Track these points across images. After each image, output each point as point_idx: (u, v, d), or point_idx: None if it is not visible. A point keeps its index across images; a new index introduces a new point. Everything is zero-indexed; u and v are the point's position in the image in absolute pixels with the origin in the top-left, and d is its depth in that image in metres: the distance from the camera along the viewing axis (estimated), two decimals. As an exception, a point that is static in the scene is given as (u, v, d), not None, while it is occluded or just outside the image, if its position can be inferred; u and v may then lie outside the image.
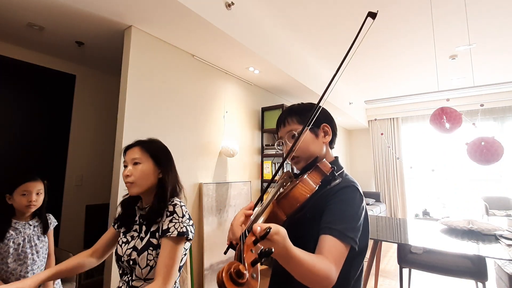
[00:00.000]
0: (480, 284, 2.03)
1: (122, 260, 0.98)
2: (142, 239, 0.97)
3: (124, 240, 1.01)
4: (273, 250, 0.44)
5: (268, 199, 0.64)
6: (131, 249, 0.96)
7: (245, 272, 0.42)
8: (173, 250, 0.90)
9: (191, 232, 0.96)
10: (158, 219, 0.97)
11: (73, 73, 2.82)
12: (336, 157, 0.88)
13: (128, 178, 0.98)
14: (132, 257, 0.94)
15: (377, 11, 0.74)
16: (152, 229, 0.97)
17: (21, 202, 1.40)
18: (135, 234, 1.01)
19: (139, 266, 0.93)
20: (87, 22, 2.03)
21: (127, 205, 1.09)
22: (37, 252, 1.45)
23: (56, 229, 1.64)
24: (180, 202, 1.00)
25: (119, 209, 1.11)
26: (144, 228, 1.00)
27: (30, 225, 1.47)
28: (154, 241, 0.95)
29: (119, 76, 2.12)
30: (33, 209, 1.44)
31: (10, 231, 1.39)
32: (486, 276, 1.95)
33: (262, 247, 0.45)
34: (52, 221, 1.58)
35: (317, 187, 0.67)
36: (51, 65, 2.65)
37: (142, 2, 1.80)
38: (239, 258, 0.45)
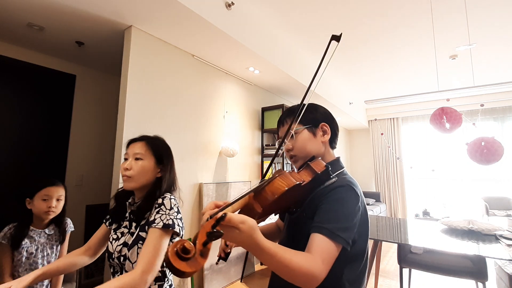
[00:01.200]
0: (480, 284, 2.03)
1: (113, 257, 0.97)
2: (132, 234, 0.97)
3: (115, 236, 1.01)
4: (222, 232, 0.48)
5: (246, 192, 0.65)
6: (121, 245, 0.96)
7: (190, 248, 0.46)
8: (157, 241, 0.88)
9: (178, 225, 0.94)
10: (146, 214, 0.97)
11: (73, 73, 2.82)
12: (338, 158, 0.88)
13: (127, 171, 0.98)
14: (123, 253, 0.94)
15: (341, 33, 0.77)
16: (141, 223, 0.97)
17: (41, 207, 1.35)
18: (125, 230, 1.00)
19: (130, 261, 0.92)
20: (87, 22, 2.03)
21: (119, 199, 1.08)
22: (48, 262, 1.40)
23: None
24: (170, 196, 1.00)
25: (112, 203, 1.10)
26: (134, 224, 1.00)
27: (46, 233, 1.41)
28: (143, 234, 0.94)
29: (119, 76, 2.12)
30: (51, 216, 1.39)
31: (25, 239, 1.34)
32: (486, 276, 1.95)
33: (215, 230, 0.49)
34: (69, 227, 1.52)
35: (298, 183, 0.66)
36: (51, 65, 2.65)
37: (142, 2, 1.80)
38: (195, 238, 0.49)
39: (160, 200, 0.96)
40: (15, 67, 2.43)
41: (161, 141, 1.10)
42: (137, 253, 0.92)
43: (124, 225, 1.02)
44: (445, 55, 3.44)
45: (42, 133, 2.58)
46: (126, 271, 0.93)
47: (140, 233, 0.95)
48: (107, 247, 1.02)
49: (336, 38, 0.73)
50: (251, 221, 0.55)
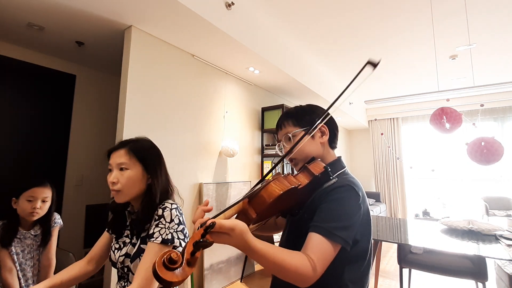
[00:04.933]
0: (480, 284, 2.03)
1: (117, 266, 0.95)
2: (134, 245, 0.93)
3: (117, 246, 0.97)
4: (208, 242, 0.49)
5: (241, 197, 0.65)
6: (124, 256, 0.93)
7: (176, 259, 0.47)
8: (155, 255, 0.83)
9: (178, 238, 0.88)
10: (146, 225, 0.92)
11: (73, 73, 2.82)
12: (339, 157, 0.87)
13: (115, 185, 0.89)
14: (126, 264, 0.91)
15: (379, 60, 0.70)
16: (142, 235, 0.93)
17: (25, 208, 1.32)
18: (127, 240, 0.97)
19: (132, 273, 0.90)
20: (87, 22, 2.03)
21: (117, 209, 1.02)
22: (33, 264, 1.38)
23: (57, 229, 1.60)
24: (171, 205, 0.93)
25: (109, 214, 1.05)
26: (135, 233, 0.95)
27: (32, 234, 1.39)
28: (144, 246, 0.90)
29: (119, 76, 2.12)
30: (36, 217, 1.35)
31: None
32: (486, 276, 1.95)
33: (202, 240, 0.49)
34: (57, 222, 1.49)
35: (293, 187, 0.66)
36: (51, 65, 2.65)
37: (142, 2, 1.80)
38: (184, 247, 0.50)
39: (160, 211, 0.90)
40: (15, 67, 2.43)
41: (145, 142, 0.99)
42: None
43: (125, 234, 0.98)
44: (445, 55, 3.44)
45: (42, 133, 2.58)
46: (130, 282, 0.91)
47: (141, 245, 0.91)
48: (110, 256, 0.99)
49: (373, 64, 0.69)
50: (241, 225, 0.56)
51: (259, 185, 0.67)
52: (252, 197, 0.64)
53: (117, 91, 2.11)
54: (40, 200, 1.36)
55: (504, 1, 2.38)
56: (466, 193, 5.13)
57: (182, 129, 2.45)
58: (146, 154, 0.96)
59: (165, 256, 0.46)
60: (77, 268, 1.01)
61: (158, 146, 1.05)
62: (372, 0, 2.37)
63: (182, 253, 0.48)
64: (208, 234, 0.51)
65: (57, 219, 1.51)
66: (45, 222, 1.43)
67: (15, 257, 1.32)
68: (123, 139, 0.99)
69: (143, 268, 0.82)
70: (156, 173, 0.95)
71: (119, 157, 0.91)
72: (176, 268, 0.46)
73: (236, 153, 2.84)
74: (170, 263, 0.46)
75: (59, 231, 1.53)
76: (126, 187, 0.90)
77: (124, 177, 0.89)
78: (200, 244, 0.49)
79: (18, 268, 1.33)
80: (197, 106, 2.64)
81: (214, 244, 0.52)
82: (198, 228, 0.53)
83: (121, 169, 0.90)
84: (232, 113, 3.09)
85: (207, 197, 2.61)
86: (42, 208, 1.36)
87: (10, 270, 1.31)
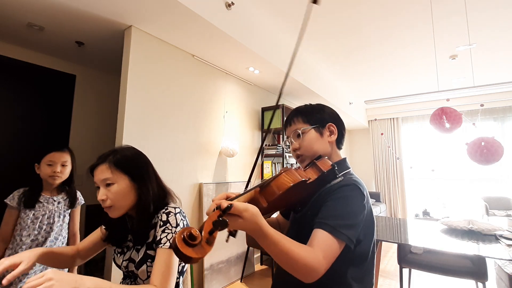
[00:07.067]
0: (480, 284, 2.03)
1: (122, 270, 0.95)
2: (138, 250, 0.91)
3: (119, 250, 0.97)
4: (227, 222, 0.50)
5: (253, 186, 0.66)
6: (128, 261, 0.92)
7: (197, 235, 0.48)
8: (168, 259, 0.83)
9: None
10: (147, 235, 0.91)
11: (73, 73, 2.82)
12: (344, 158, 0.89)
13: (104, 202, 0.87)
14: (130, 269, 0.91)
15: None
16: (147, 241, 0.91)
17: (46, 172, 1.40)
18: (130, 244, 0.95)
19: (140, 278, 0.89)
20: (87, 22, 2.03)
21: (112, 222, 0.98)
22: (52, 230, 1.42)
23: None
24: (175, 209, 0.92)
25: (104, 230, 1.02)
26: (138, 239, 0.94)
27: (54, 200, 1.46)
28: (151, 252, 0.89)
29: (119, 76, 2.12)
30: (57, 181, 1.43)
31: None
32: (486, 276, 1.95)
33: (221, 218, 0.51)
34: (80, 199, 1.59)
35: (304, 180, 0.67)
36: (51, 65, 2.65)
37: (142, 2, 1.80)
38: (201, 226, 0.51)
39: (164, 217, 0.89)
40: (15, 67, 2.43)
41: (127, 152, 0.95)
42: (147, 271, 0.88)
43: (129, 238, 0.96)
44: (445, 55, 3.44)
45: (42, 133, 2.57)
46: (137, 283, 0.91)
47: (148, 251, 0.90)
48: (114, 258, 0.98)
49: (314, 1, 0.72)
50: (253, 208, 0.57)
51: (269, 177, 0.68)
52: (263, 187, 0.66)
53: (117, 91, 2.11)
54: (60, 164, 1.43)
55: (504, 1, 2.38)
56: (466, 193, 5.12)
57: (182, 129, 2.45)
58: (129, 164, 0.92)
59: (185, 232, 0.48)
60: (69, 250, 1.01)
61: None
62: (372, 1, 2.37)
63: (200, 231, 0.49)
64: (225, 215, 0.52)
65: (80, 196, 1.61)
66: (69, 186, 1.52)
67: (28, 221, 1.36)
68: (102, 153, 0.94)
69: (159, 271, 0.82)
70: (144, 182, 0.92)
71: (102, 173, 0.88)
72: (196, 244, 0.47)
73: (236, 153, 2.84)
74: (190, 239, 0.47)
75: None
76: (117, 202, 0.88)
77: (111, 193, 0.87)
78: (219, 223, 0.49)
79: (31, 232, 1.37)
80: (197, 106, 2.64)
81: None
82: (215, 210, 0.54)
83: (107, 184, 0.88)
84: (232, 113, 3.09)
85: (207, 197, 2.61)
86: (62, 172, 1.44)
87: (3, 240, 1.37)
